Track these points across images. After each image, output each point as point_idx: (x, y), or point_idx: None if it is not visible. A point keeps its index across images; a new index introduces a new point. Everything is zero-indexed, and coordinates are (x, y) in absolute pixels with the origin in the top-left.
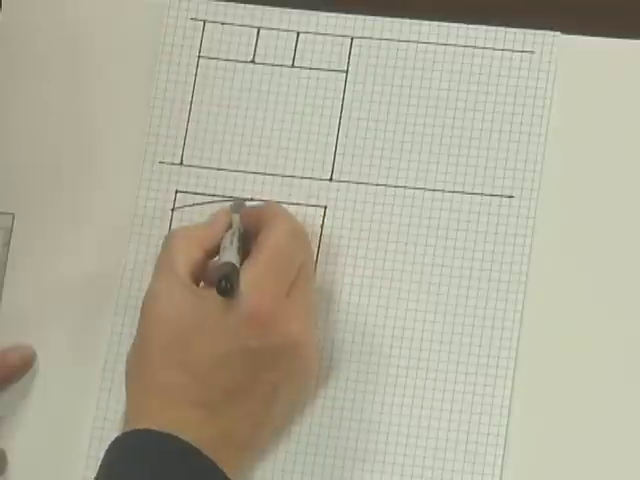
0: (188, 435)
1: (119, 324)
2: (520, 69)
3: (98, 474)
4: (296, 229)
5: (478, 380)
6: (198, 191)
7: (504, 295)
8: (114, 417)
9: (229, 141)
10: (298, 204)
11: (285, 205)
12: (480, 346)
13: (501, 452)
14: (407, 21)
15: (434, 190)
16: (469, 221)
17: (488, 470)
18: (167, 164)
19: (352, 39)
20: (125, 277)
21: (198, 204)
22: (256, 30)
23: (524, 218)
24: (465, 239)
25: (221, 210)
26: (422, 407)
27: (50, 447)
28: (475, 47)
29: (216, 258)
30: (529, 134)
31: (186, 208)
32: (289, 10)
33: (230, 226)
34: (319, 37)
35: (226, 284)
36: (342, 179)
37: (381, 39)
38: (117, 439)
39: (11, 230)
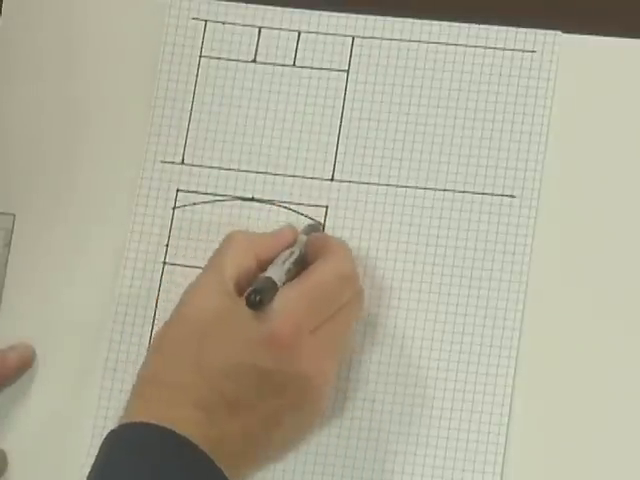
0: (184, 433)
1: (120, 323)
2: (521, 68)
3: (94, 465)
4: (349, 272)
5: (479, 379)
6: (199, 190)
7: (505, 294)
8: (115, 417)
9: (230, 140)
10: (299, 204)
11: (285, 205)
12: (481, 345)
13: (502, 451)
14: (408, 21)
15: (435, 190)
16: (470, 220)
17: (489, 469)
18: (168, 163)
19: (353, 39)
20: (126, 276)
21: (199, 203)
22: (257, 30)
23: (525, 218)
24: (466, 238)
25: (289, 226)
26: (422, 406)
27: (50, 447)
28: (476, 47)
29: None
30: (530, 133)
31: (187, 207)
32: (290, 10)
33: (292, 245)
34: (320, 37)
35: (255, 297)
36: (343, 179)
37: (382, 39)
38: (114, 431)
39: (12, 231)
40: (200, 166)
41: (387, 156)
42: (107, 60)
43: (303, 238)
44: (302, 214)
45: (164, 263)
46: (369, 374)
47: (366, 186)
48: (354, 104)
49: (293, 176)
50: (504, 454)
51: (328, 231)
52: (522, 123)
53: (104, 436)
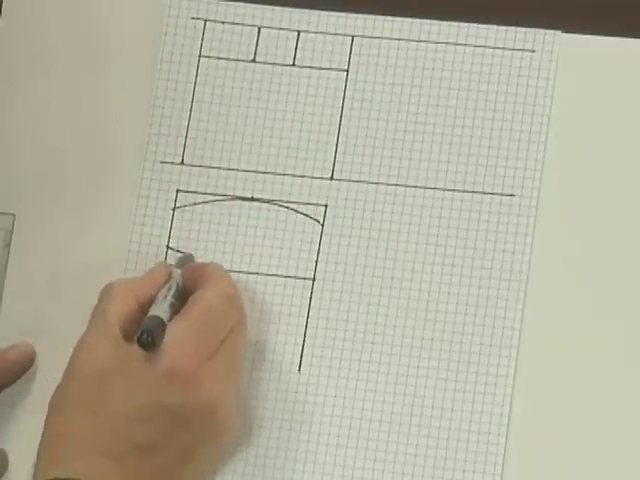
0: None
1: None
2: (521, 68)
3: None
4: (230, 293)
5: (479, 379)
6: (199, 190)
7: (504, 294)
8: None
9: (230, 140)
10: (299, 203)
11: (285, 204)
12: (480, 345)
13: (502, 451)
14: (407, 20)
15: (435, 189)
16: (469, 220)
17: (489, 469)
18: (168, 163)
19: (353, 38)
20: (126, 276)
21: (199, 203)
22: (257, 29)
23: (525, 217)
24: (465, 238)
25: (161, 263)
26: (423, 406)
27: None
28: (475, 46)
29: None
30: (530, 132)
31: (187, 207)
32: (290, 9)
33: (168, 280)
34: (320, 36)
35: (147, 337)
36: (343, 178)
37: (382, 38)
38: None
39: (12, 231)
40: (200, 166)
41: (386, 155)
42: (106, 60)
43: (177, 271)
44: (302, 213)
45: None
46: (369, 374)
47: (365, 185)
48: (354, 103)
49: (293, 175)
50: (504, 454)
51: (328, 230)
52: (522, 122)
53: None
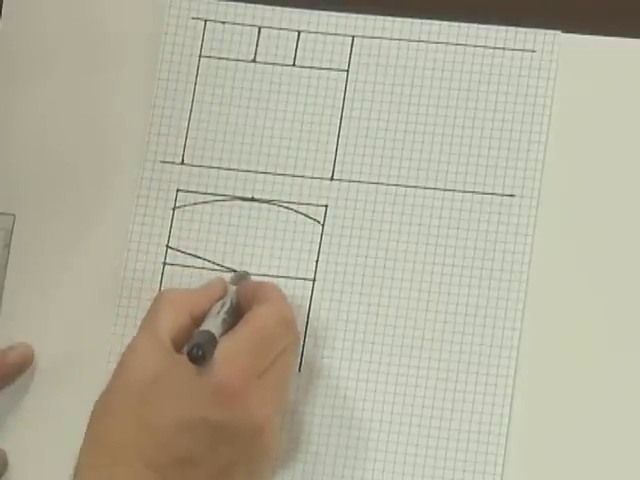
0: None
1: (121, 325)
2: (521, 68)
3: None
4: (286, 317)
5: (479, 379)
6: (199, 190)
7: (505, 294)
8: None
9: (230, 140)
10: (299, 203)
11: (285, 204)
12: (481, 345)
13: (502, 451)
14: (407, 20)
15: (435, 189)
16: (470, 220)
17: (489, 469)
18: (168, 163)
19: (353, 38)
20: (126, 277)
21: (199, 203)
22: (257, 29)
23: (525, 217)
24: (466, 238)
25: (217, 278)
26: (423, 406)
27: (50, 447)
28: (476, 46)
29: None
30: (530, 133)
31: (187, 207)
32: (290, 9)
33: (223, 296)
34: (320, 36)
35: (197, 351)
36: (343, 178)
37: (382, 38)
38: None
39: (12, 231)
40: (200, 166)
41: (387, 155)
42: (106, 60)
43: (232, 288)
44: (302, 213)
45: (164, 264)
46: (369, 374)
47: (366, 185)
48: (354, 104)
49: (293, 176)
50: (504, 454)
51: (328, 230)
52: (522, 123)
53: None
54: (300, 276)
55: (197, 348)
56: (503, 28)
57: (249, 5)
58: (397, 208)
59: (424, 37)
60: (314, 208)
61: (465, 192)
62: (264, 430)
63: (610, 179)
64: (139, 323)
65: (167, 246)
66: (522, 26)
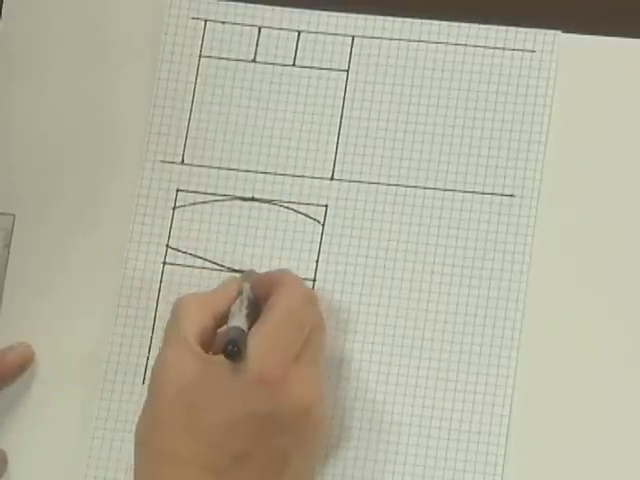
0: None
1: (121, 325)
2: (521, 68)
3: None
4: (306, 294)
5: (479, 379)
6: (199, 190)
7: (505, 294)
8: (116, 417)
9: (230, 140)
10: (299, 203)
11: (285, 204)
12: (481, 345)
13: (502, 452)
14: (407, 20)
15: (435, 189)
16: (470, 220)
17: (489, 469)
18: (168, 163)
19: (353, 38)
20: (126, 276)
21: (199, 203)
22: (257, 29)
23: (525, 217)
24: (466, 238)
25: (231, 278)
26: (423, 406)
27: (50, 447)
28: (476, 46)
29: (225, 326)
30: (530, 133)
31: (187, 207)
32: (290, 9)
33: (240, 293)
34: (320, 36)
35: (233, 348)
36: (343, 178)
37: (382, 38)
38: None
39: (12, 231)
40: (200, 166)
41: (387, 155)
42: (106, 60)
43: (247, 285)
44: (302, 213)
45: (164, 263)
46: (369, 374)
47: (366, 185)
48: (354, 104)
49: (293, 175)
50: (504, 455)
51: (328, 230)
52: (522, 123)
53: (105, 436)
54: (300, 276)
55: (232, 344)
56: (503, 28)
57: (249, 5)
58: (397, 208)
59: (424, 37)
60: (314, 208)
61: (465, 192)
62: (311, 411)
63: (610, 179)
64: (139, 323)
65: (167, 246)
66: (522, 26)
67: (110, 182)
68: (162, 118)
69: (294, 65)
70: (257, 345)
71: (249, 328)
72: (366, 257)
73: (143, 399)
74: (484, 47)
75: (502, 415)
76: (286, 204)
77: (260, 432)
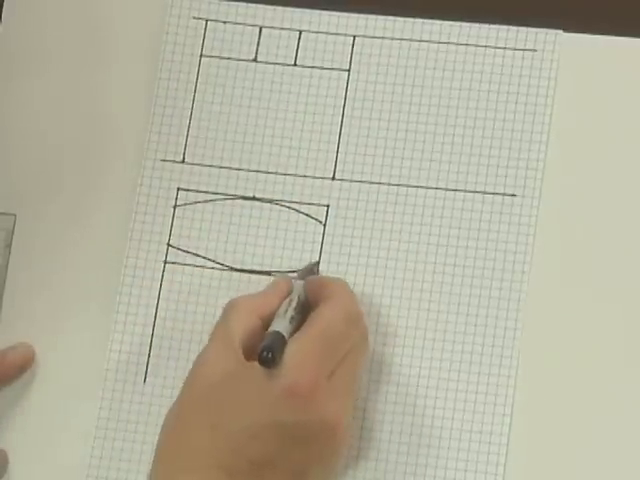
0: None
1: (121, 323)
2: (522, 67)
3: None
4: (353, 312)
5: (480, 379)
6: (200, 189)
7: (506, 294)
8: (116, 417)
9: (231, 139)
10: (300, 203)
11: (286, 204)
12: (482, 345)
13: (504, 451)
14: (409, 20)
15: (436, 188)
16: (471, 220)
17: (491, 469)
18: (169, 162)
19: (354, 38)
20: (127, 276)
21: (200, 202)
22: (258, 29)
23: (526, 217)
24: (467, 238)
25: (283, 277)
26: (424, 406)
27: (51, 447)
28: (477, 45)
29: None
30: (531, 132)
31: (188, 206)
32: (291, 9)
33: (289, 294)
34: (321, 36)
35: (267, 354)
36: (344, 178)
37: (383, 38)
38: None
39: (12, 231)
40: (201, 165)
41: (388, 155)
42: (107, 59)
43: (300, 283)
44: (303, 213)
45: (165, 262)
46: (370, 374)
47: (367, 185)
48: (355, 103)
49: (294, 175)
50: (506, 454)
51: (330, 230)
52: (523, 122)
53: (106, 436)
54: None
55: (266, 351)
56: (504, 27)
57: (250, 5)
58: (398, 208)
59: (425, 37)
60: (316, 208)
61: (466, 192)
62: (336, 430)
63: (611, 178)
64: (139, 321)
65: (168, 244)
66: (523, 25)
67: (110, 181)
68: (163, 117)
69: (295, 65)
70: (293, 355)
71: (294, 330)
72: (367, 257)
73: (143, 399)
74: (485, 47)
75: (503, 415)
76: (287, 204)
77: (282, 443)
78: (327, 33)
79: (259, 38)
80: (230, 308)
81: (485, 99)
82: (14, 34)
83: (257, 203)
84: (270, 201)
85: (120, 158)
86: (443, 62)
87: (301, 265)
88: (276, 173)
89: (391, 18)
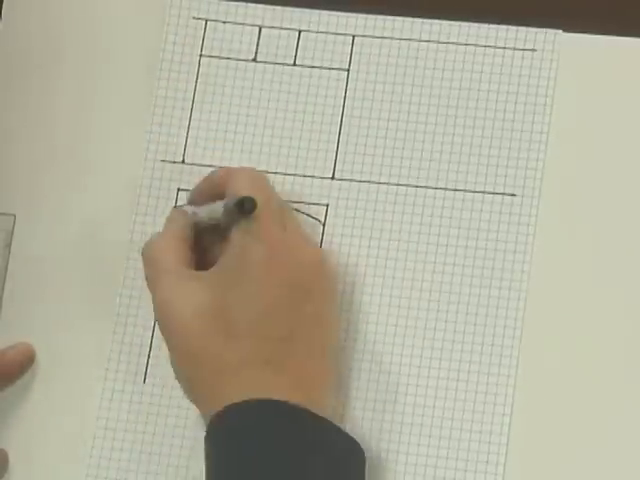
0: (272, 395)
1: (122, 324)
2: (522, 67)
3: (211, 462)
4: (253, 173)
5: (480, 379)
6: None
7: (506, 294)
8: (116, 417)
9: (231, 139)
10: (300, 202)
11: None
12: (482, 345)
13: (503, 451)
14: (408, 19)
15: (436, 188)
16: (471, 219)
17: (491, 469)
18: (169, 162)
19: (354, 37)
20: (127, 276)
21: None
22: (258, 29)
23: (526, 216)
24: (467, 237)
25: (174, 210)
26: (424, 406)
27: (51, 447)
28: (477, 45)
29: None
30: (531, 132)
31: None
32: (291, 9)
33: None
34: (321, 35)
35: (250, 202)
36: (344, 177)
37: (382, 37)
38: (213, 423)
39: (12, 231)
40: (201, 165)
41: (388, 155)
42: (107, 59)
43: (191, 208)
44: (303, 212)
45: None
46: (370, 373)
47: (367, 185)
48: (355, 103)
49: (294, 175)
50: (506, 454)
51: (329, 230)
52: (523, 122)
53: (106, 436)
54: None
55: (247, 201)
56: (504, 27)
57: (250, 5)
58: (398, 208)
59: (425, 36)
60: (315, 207)
61: (466, 191)
62: (322, 263)
63: (611, 178)
64: (139, 323)
65: None
66: (523, 25)
67: (111, 181)
68: (163, 117)
69: (295, 65)
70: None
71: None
72: (367, 257)
73: (143, 399)
74: (485, 46)
75: (503, 414)
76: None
77: (289, 305)
78: (327, 33)
79: (259, 38)
80: (149, 248)
81: (485, 99)
82: (14, 33)
83: None
84: None
85: (120, 158)
86: (443, 62)
87: None
88: (275, 173)
89: (391, 18)
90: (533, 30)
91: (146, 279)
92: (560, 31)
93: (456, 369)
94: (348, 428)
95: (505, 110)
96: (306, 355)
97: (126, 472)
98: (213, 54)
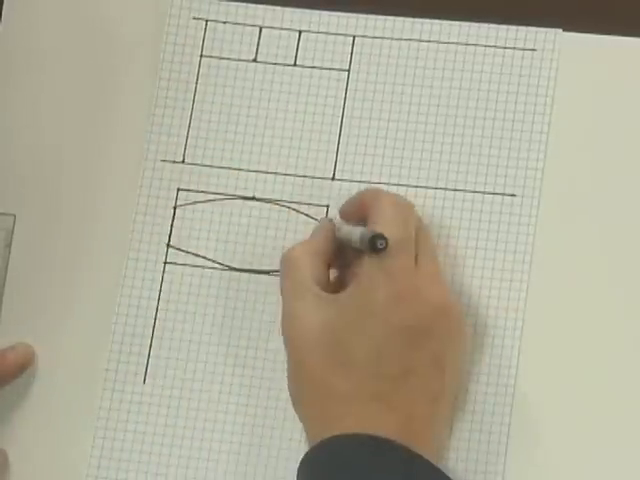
0: (379, 432)
1: (121, 324)
2: (522, 67)
3: None
4: (399, 202)
5: (481, 379)
6: (200, 189)
7: (506, 294)
8: (116, 417)
9: (231, 139)
10: (300, 203)
11: (286, 204)
12: (482, 345)
13: (504, 451)
14: (408, 19)
15: (436, 188)
16: (471, 219)
17: (491, 469)
18: (169, 162)
19: (354, 38)
20: (127, 276)
21: (200, 202)
22: (258, 29)
23: (526, 217)
24: (467, 237)
25: (324, 219)
26: None
27: (51, 447)
28: (477, 45)
29: (333, 274)
30: (531, 132)
31: (188, 206)
32: (291, 9)
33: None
34: (321, 36)
35: (383, 240)
36: (344, 178)
37: (383, 38)
38: (311, 453)
39: (12, 231)
40: (201, 165)
41: (388, 155)
42: (107, 59)
43: (337, 218)
44: (303, 213)
45: (165, 263)
46: None
47: (367, 185)
48: (355, 103)
49: (294, 175)
50: (506, 454)
51: None
52: (523, 122)
53: (106, 436)
54: None
55: (379, 238)
56: (504, 27)
57: (250, 5)
58: None
59: (425, 36)
60: (315, 208)
61: (466, 192)
62: (447, 307)
63: (611, 178)
64: (139, 322)
65: (168, 245)
66: (523, 25)
67: (111, 181)
68: (163, 118)
69: (295, 65)
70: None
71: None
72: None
73: (143, 399)
74: (485, 46)
75: (503, 414)
76: (287, 204)
77: (408, 345)
78: (327, 33)
79: (259, 38)
80: (289, 259)
81: (485, 99)
82: (14, 34)
83: (257, 203)
84: (270, 201)
85: (120, 158)
86: (443, 62)
87: None
88: (276, 173)
89: (391, 18)
90: (533, 30)
91: (280, 286)
92: (560, 31)
93: None
94: None
95: (505, 110)
96: (419, 395)
97: (126, 472)
98: (213, 54)
